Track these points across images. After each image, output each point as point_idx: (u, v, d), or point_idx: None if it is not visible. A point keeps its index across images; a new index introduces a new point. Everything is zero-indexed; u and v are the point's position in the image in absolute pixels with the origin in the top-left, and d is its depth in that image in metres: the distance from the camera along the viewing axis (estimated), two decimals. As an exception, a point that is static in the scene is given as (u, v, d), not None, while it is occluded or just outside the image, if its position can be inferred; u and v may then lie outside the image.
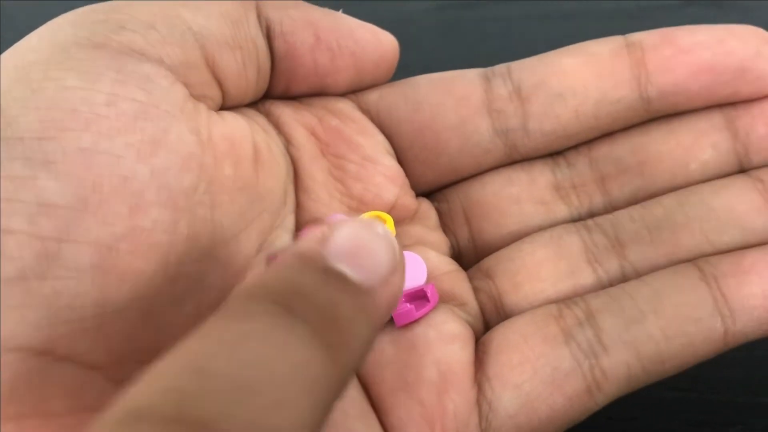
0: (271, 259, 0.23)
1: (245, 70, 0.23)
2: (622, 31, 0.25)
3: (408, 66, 0.26)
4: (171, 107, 0.19)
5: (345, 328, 0.15)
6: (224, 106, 0.23)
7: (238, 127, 0.22)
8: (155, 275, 0.19)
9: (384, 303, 0.17)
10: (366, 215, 0.24)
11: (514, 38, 0.25)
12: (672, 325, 0.21)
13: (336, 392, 0.15)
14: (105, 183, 0.18)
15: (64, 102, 0.18)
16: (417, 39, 0.26)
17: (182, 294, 0.20)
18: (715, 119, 0.25)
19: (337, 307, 0.15)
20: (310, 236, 0.17)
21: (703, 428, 0.26)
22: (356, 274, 0.16)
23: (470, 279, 0.25)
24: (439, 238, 0.26)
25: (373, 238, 0.16)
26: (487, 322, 0.24)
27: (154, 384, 0.14)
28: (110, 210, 0.18)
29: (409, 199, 0.25)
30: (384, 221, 0.25)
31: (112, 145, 0.18)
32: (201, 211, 0.20)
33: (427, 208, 0.26)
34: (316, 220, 0.24)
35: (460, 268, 0.25)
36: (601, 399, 0.21)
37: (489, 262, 0.25)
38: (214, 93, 0.22)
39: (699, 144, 0.25)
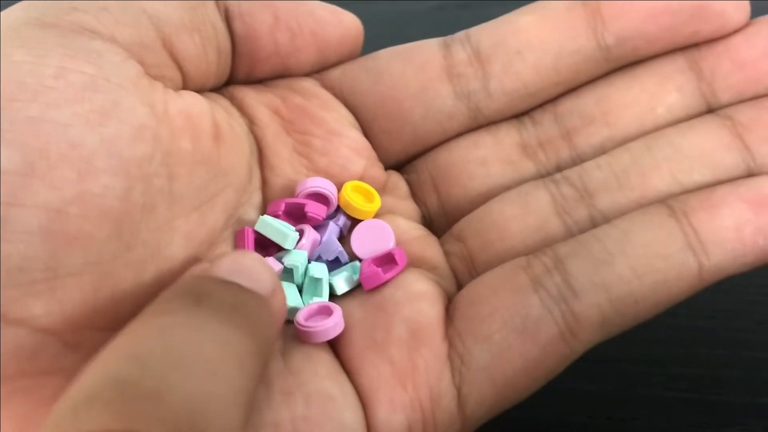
0: (238, 235, 0.23)
1: (205, 53, 0.23)
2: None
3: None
4: (123, 81, 0.20)
5: (251, 315, 0.18)
6: (186, 89, 0.23)
7: (196, 103, 0.22)
8: (108, 240, 0.19)
9: (276, 311, 0.19)
10: (347, 185, 0.24)
11: None
12: (642, 263, 0.21)
13: (258, 363, 0.17)
14: (52, 150, 0.18)
15: (12, 75, 0.18)
16: (417, 39, 0.26)
17: (140, 262, 0.20)
18: (678, 62, 0.25)
19: (241, 301, 0.18)
20: (195, 267, 0.20)
21: (703, 428, 0.26)
22: (248, 285, 0.18)
23: (442, 245, 0.25)
24: (409, 206, 0.26)
25: (252, 261, 0.19)
26: (460, 283, 0.24)
27: (97, 374, 0.15)
28: (58, 175, 0.18)
29: (377, 171, 0.25)
30: (368, 191, 0.24)
31: (60, 115, 0.18)
32: (157, 181, 0.20)
33: (396, 179, 0.26)
34: (289, 186, 0.24)
35: (431, 234, 0.25)
36: (577, 345, 0.21)
37: (459, 225, 0.25)
38: (173, 74, 0.22)
39: (663, 88, 0.24)
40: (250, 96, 0.25)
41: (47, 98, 0.18)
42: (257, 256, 0.19)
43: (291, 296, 0.22)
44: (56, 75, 0.19)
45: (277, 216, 0.23)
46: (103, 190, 0.18)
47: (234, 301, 0.17)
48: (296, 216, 0.23)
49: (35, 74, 0.18)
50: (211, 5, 0.23)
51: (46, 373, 0.18)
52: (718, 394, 0.26)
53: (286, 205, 0.23)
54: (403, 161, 0.27)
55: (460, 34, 0.26)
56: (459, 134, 0.26)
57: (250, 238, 0.22)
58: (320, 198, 0.24)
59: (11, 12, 0.20)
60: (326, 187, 0.24)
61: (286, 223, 0.23)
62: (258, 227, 0.23)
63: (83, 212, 0.18)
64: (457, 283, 0.24)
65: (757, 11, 0.25)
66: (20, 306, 0.17)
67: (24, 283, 0.17)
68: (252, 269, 0.19)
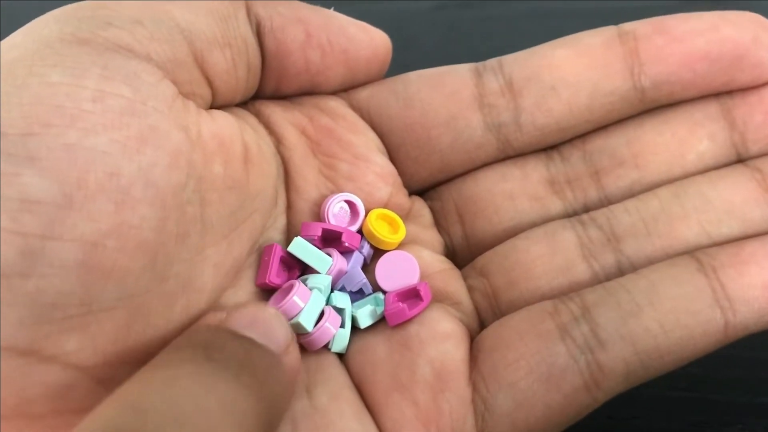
0: (266, 250, 0.22)
1: (235, 68, 0.22)
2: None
3: (408, 65, 0.26)
4: (158, 104, 0.19)
5: (262, 375, 0.17)
6: (214, 105, 0.23)
7: (228, 125, 0.22)
8: (143, 274, 0.18)
9: (289, 369, 0.19)
10: (372, 214, 0.24)
11: (515, 37, 0.25)
12: (670, 317, 0.21)
13: (262, 424, 0.17)
14: (90, 179, 0.17)
15: (49, 98, 0.18)
16: (417, 39, 0.26)
17: (172, 294, 0.19)
18: (711, 109, 0.24)
19: (252, 358, 0.18)
20: (210, 315, 0.20)
21: (703, 428, 0.26)
22: (261, 340, 0.18)
23: (465, 278, 0.24)
24: (432, 236, 0.25)
25: (268, 315, 0.19)
26: (483, 320, 0.24)
27: (97, 421, 0.15)
28: (96, 206, 0.17)
29: (402, 198, 0.25)
30: (393, 220, 0.24)
31: (98, 141, 0.18)
32: (190, 209, 0.20)
33: (420, 206, 0.26)
34: (313, 210, 0.24)
35: (454, 267, 0.25)
36: (600, 396, 0.21)
37: (483, 260, 0.25)
38: (204, 91, 0.22)
39: (695, 135, 0.24)
40: (277, 113, 0.24)
41: (85, 124, 0.18)
42: (274, 311, 0.19)
43: (317, 306, 0.22)
44: (94, 99, 0.18)
45: (312, 240, 0.23)
46: (140, 222, 0.18)
47: (245, 358, 0.17)
48: (328, 240, 0.23)
49: (73, 98, 0.18)
50: (243, 18, 0.23)
51: (77, 411, 0.17)
52: (719, 393, 0.26)
53: (323, 230, 0.23)
54: (427, 187, 0.26)
55: (493, 62, 0.25)
56: (486, 164, 0.26)
57: (276, 256, 0.22)
58: (351, 206, 0.24)
59: (44, 24, 0.19)
60: (355, 199, 0.24)
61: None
62: (293, 249, 0.22)
63: (120, 245, 0.18)
64: (479, 319, 0.24)
65: (758, 9, 0.25)
66: (53, 342, 0.17)
67: (58, 319, 0.17)
68: (267, 324, 0.19)
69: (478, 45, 0.25)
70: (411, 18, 0.26)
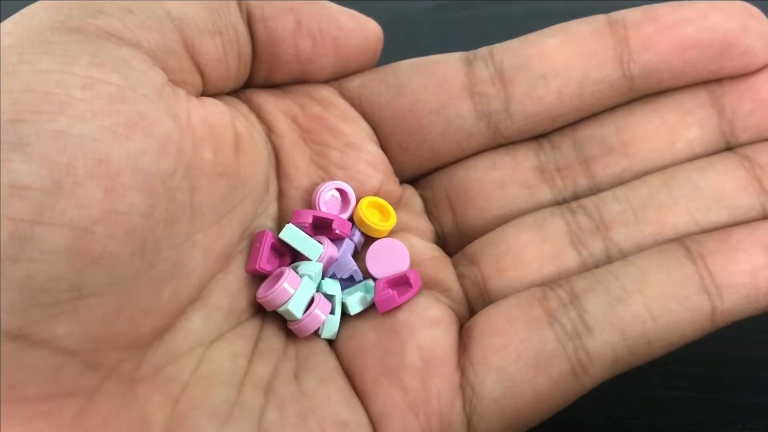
0: (257, 237, 0.23)
1: (226, 56, 0.22)
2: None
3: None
4: (148, 91, 0.19)
5: None
6: (205, 93, 0.23)
7: (218, 112, 0.22)
8: (132, 259, 0.18)
9: None
10: (363, 201, 0.24)
11: (513, 37, 0.25)
12: (657, 303, 0.21)
13: None
14: (79, 165, 0.17)
15: (39, 85, 0.18)
16: (417, 38, 0.26)
17: (160, 279, 0.19)
18: (701, 97, 0.25)
19: None
20: None
21: (703, 428, 0.26)
22: None
23: (455, 265, 0.25)
24: (423, 224, 0.26)
25: None
26: (473, 308, 0.24)
27: None
28: (85, 192, 0.17)
29: (393, 186, 0.25)
30: (384, 207, 0.24)
31: (87, 128, 0.18)
32: (179, 195, 0.20)
33: (411, 194, 0.26)
34: (305, 198, 0.24)
35: (445, 254, 0.25)
36: (588, 381, 0.21)
37: (473, 247, 0.25)
38: (195, 79, 0.22)
39: (684, 122, 0.24)
40: (268, 102, 0.24)
41: (74, 110, 0.18)
42: None
43: (307, 293, 0.22)
44: (84, 86, 0.18)
45: (303, 227, 0.23)
46: (129, 208, 0.18)
47: None
48: (319, 227, 0.23)
49: (62, 84, 0.18)
50: (234, 7, 0.23)
51: (67, 395, 0.17)
52: (719, 392, 0.27)
53: (314, 217, 0.23)
54: (418, 175, 0.26)
55: (483, 51, 0.25)
56: (476, 152, 0.26)
57: (268, 242, 0.22)
58: (342, 194, 0.24)
59: (34, 13, 0.20)
60: (346, 187, 0.24)
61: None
62: (284, 236, 0.23)
63: (109, 231, 0.18)
64: (469, 306, 0.24)
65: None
66: (43, 327, 0.17)
67: (48, 304, 0.17)
68: None
69: (477, 45, 0.25)
70: (411, 18, 0.26)
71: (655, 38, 0.24)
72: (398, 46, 0.26)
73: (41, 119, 0.17)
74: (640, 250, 0.23)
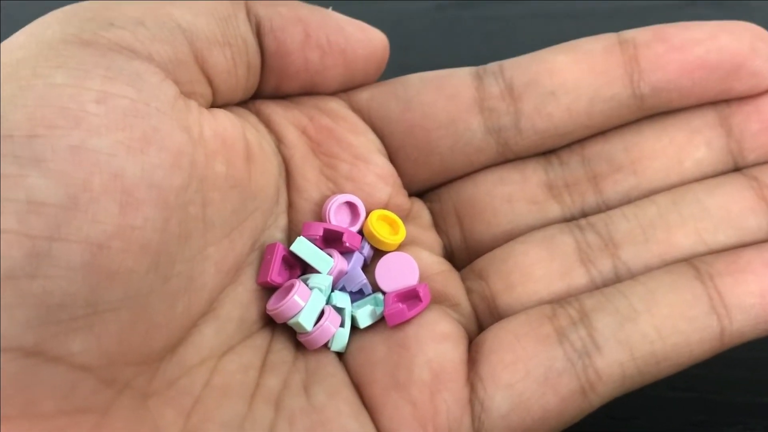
0: (268, 249, 0.23)
1: (235, 68, 0.22)
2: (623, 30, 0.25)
3: (408, 66, 0.26)
4: (161, 104, 0.19)
5: None
6: (215, 104, 0.23)
7: (230, 124, 0.22)
8: (147, 274, 0.18)
9: None
10: (373, 215, 0.24)
11: (514, 38, 0.25)
12: (666, 323, 0.21)
13: None
14: (95, 181, 0.17)
15: (53, 99, 0.18)
16: (417, 39, 0.26)
17: (174, 293, 0.19)
18: (709, 116, 0.25)
19: None
20: None
21: (703, 428, 0.26)
22: None
23: (463, 280, 0.25)
24: (432, 237, 0.26)
25: None
26: (481, 323, 0.24)
27: None
28: (101, 208, 0.17)
29: (401, 199, 0.25)
30: (394, 221, 0.24)
31: (102, 143, 0.18)
32: (192, 209, 0.20)
33: (419, 207, 0.26)
34: (314, 210, 0.24)
35: (453, 269, 0.25)
36: (596, 400, 0.21)
37: (482, 262, 0.25)
38: (204, 90, 0.22)
39: (693, 142, 0.25)
40: (277, 113, 0.25)
41: (89, 125, 0.18)
42: None
43: (317, 306, 0.22)
44: (98, 100, 0.18)
45: (314, 240, 0.23)
46: (144, 223, 0.18)
47: None
48: (329, 240, 0.23)
49: (77, 99, 0.18)
50: (243, 18, 0.23)
51: (82, 411, 0.17)
52: (719, 393, 0.27)
53: (325, 230, 0.23)
54: (426, 188, 0.27)
55: (493, 66, 0.25)
56: (485, 167, 0.26)
57: (279, 255, 0.22)
58: (351, 207, 0.24)
59: (46, 25, 0.20)
60: (356, 200, 0.24)
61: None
62: (295, 248, 0.23)
63: (124, 246, 0.18)
64: (477, 321, 0.24)
65: (760, 10, 0.25)
66: (59, 343, 0.17)
67: (64, 320, 0.17)
68: None
69: (477, 45, 0.25)
70: (411, 18, 0.26)
71: (664, 58, 0.24)
72: (398, 46, 0.26)
73: (56, 134, 0.17)
74: (648, 269, 0.23)
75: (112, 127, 0.18)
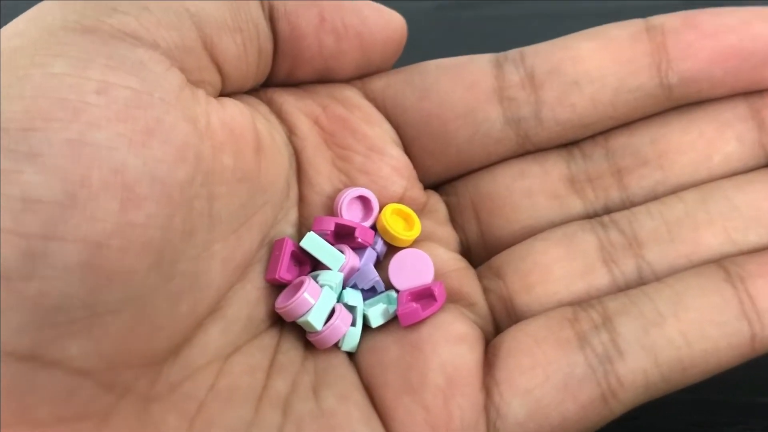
0: (276, 244, 0.22)
1: (246, 54, 0.22)
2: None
3: (406, 65, 0.25)
4: (166, 94, 0.18)
5: None
6: (224, 92, 0.22)
7: (239, 114, 0.21)
8: (149, 274, 0.18)
9: None
10: (387, 209, 0.23)
11: (515, 38, 0.25)
12: (694, 328, 0.20)
13: None
14: (94, 176, 0.17)
15: (52, 90, 0.17)
16: (417, 39, 0.25)
17: (178, 293, 0.19)
18: (740, 108, 0.24)
19: None
20: None
21: (704, 428, 0.26)
22: None
23: (480, 277, 0.24)
24: (448, 233, 0.25)
25: None
26: (498, 324, 0.23)
27: None
28: (100, 205, 0.17)
29: (417, 192, 0.24)
30: (408, 215, 0.24)
31: (102, 136, 0.17)
32: (198, 204, 0.19)
33: (435, 201, 0.25)
34: (326, 203, 0.23)
35: (469, 266, 0.24)
36: (617, 407, 0.20)
37: (499, 260, 0.24)
38: (213, 78, 0.21)
39: (722, 135, 0.23)
40: (289, 102, 0.24)
41: (89, 117, 0.17)
42: None
43: (328, 304, 0.21)
44: (99, 90, 0.17)
45: (325, 235, 0.22)
46: (146, 220, 0.17)
47: None
48: (341, 235, 0.23)
49: (76, 90, 0.17)
50: (255, 2, 0.22)
51: (80, 417, 0.17)
52: (719, 393, 0.26)
53: (336, 225, 0.22)
54: (442, 181, 0.26)
55: (514, 53, 0.24)
56: (504, 159, 0.25)
57: (287, 251, 0.22)
58: (364, 201, 0.23)
59: (47, 11, 0.19)
60: (369, 194, 0.23)
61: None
62: (305, 244, 0.22)
63: (125, 245, 0.17)
64: (494, 322, 0.23)
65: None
66: (56, 347, 0.16)
67: (61, 323, 0.16)
68: None
69: (478, 46, 0.25)
70: (411, 18, 0.25)
71: (695, 46, 0.23)
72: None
73: (54, 127, 0.16)
74: (673, 269, 0.22)
75: (113, 119, 0.17)
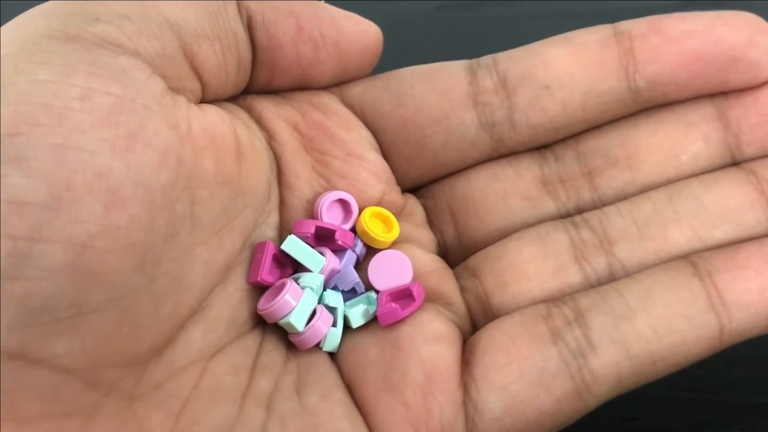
0: (258, 247, 0.22)
1: (225, 62, 0.22)
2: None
3: (407, 66, 0.26)
4: (148, 101, 0.19)
5: None
6: (204, 99, 0.22)
7: (219, 120, 0.21)
8: (132, 275, 0.18)
9: None
10: (366, 212, 0.24)
11: (515, 38, 0.25)
12: (663, 322, 0.21)
13: None
14: (79, 179, 0.17)
15: (36, 96, 0.17)
16: (417, 39, 0.25)
17: (161, 294, 0.19)
18: (706, 110, 0.24)
19: None
20: None
21: (704, 428, 0.26)
22: None
23: (457, 278, 0.24)
24: (425, 235, 0.25)
25: None
26: (475, 322, 0.24)
27: None
28: (84, 208, 0.17)
29: (395, 195, 0.25)
30: (387, 218, 0.24)
31: (86, 141, 0.17)
32: (180, 207, 0.19)
33: (413, 204, 0.26)
34: (306, 207, 0.24)
35: (447, 266, 0.25)
36: (591, 400, 0.21)
37: (475, 260, 0.24)
38: (194, 86, 0.21)
39: (689, 136, 0.24)
40: (268, 109, 0.24)
41: (73, 123, 0.17)
42: None
43: (309, 305, 0.22)
44: (82, 97, 0.18)
45: (305, 238, 0.22)
46: (129, 222, 0.18)
47: None
48: (321, 238, 0.23)
49: (60, 96, 0.17)
50: (233, 12, 0.22)
51: (66, 414, 0.17)
52: (719, 393, 0.26)
53: (317, 228, 0.23)
54: (419, 185, 0.26)
55: (487, 59, 0.25)
56: (479, 162, 0.25)
57: (269, 254, 0.22)
58: (344, 204, 0.24)
59: (30, 20, 0.19)
60: (349, 197, 0.24)
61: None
62: (286, 247, 0.22)
63: (109, 246, 0.17)
64: (471, 320, 0.24)
65: (762, 11, 0.24)
66: (43, 346, 0.17)
67: (47, 322, 0.17)
68: None
69: (478, 46, 0.25)
70: (411, 19, 0.26)
71: (660, 50, 0.23)
72: (399, 47, 0.26)
73: (39, 132, 0.17)
74: (643, 266, 0.23)
75: (97, 125, 0.18)
